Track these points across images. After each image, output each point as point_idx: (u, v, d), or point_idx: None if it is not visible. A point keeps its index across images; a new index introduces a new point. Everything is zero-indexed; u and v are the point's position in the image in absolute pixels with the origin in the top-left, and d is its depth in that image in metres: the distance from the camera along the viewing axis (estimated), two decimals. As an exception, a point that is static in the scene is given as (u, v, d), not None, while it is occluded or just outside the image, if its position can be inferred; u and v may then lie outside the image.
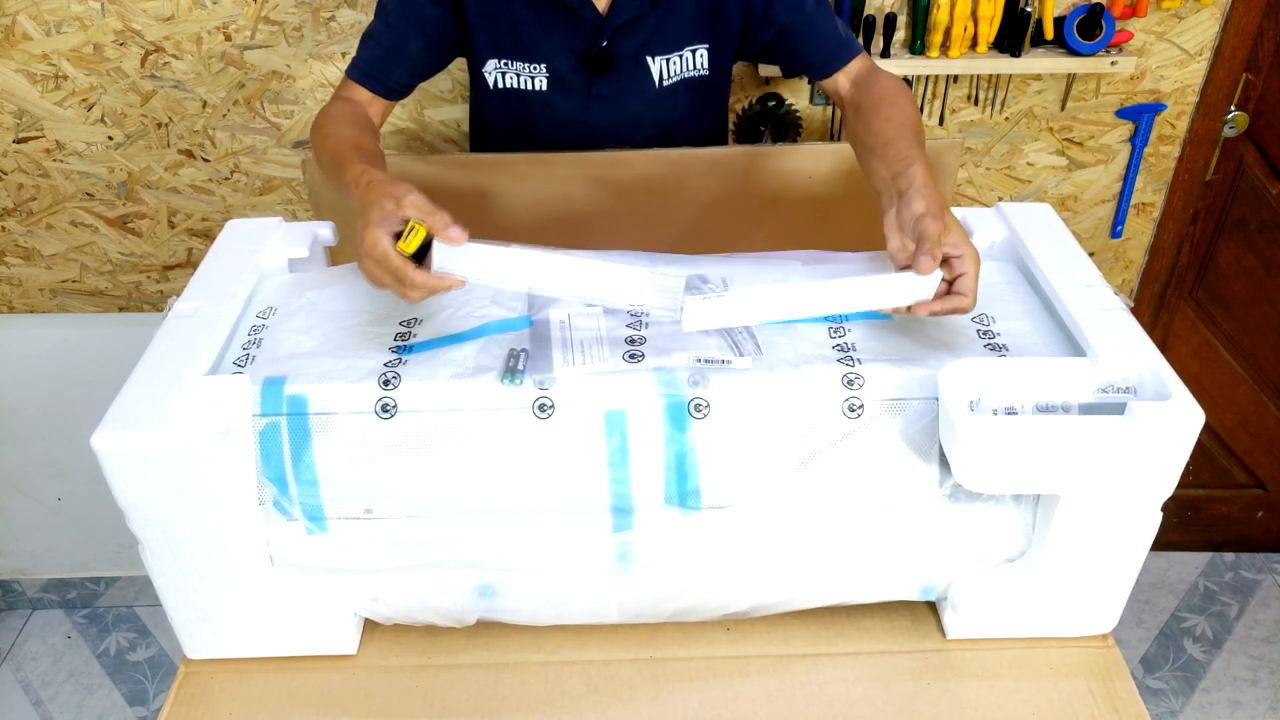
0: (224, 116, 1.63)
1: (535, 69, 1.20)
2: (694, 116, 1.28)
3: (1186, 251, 1.87)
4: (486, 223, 1.23)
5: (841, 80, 1.18)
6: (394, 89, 1.19)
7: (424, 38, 1.17)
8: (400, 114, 1.64)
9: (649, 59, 1.20)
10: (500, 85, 1.22)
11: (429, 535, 0.83)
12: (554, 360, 0.81)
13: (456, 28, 1.19)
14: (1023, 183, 1.74)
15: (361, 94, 1.17)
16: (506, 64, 1.20)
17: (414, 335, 0.85)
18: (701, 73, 1.23)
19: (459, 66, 1.58)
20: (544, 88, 1.21)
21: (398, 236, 0.81)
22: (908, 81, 1.60)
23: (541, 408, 0.79)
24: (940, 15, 1.50)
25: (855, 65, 1.18)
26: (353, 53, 1.22)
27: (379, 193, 0.84)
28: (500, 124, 1.28)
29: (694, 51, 1.21)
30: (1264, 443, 2.13)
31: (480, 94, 1.26)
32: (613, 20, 1.16)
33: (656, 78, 1.21)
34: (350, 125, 1.07)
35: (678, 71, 1.22)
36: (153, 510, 0.79)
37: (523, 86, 1.21)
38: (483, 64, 1.21)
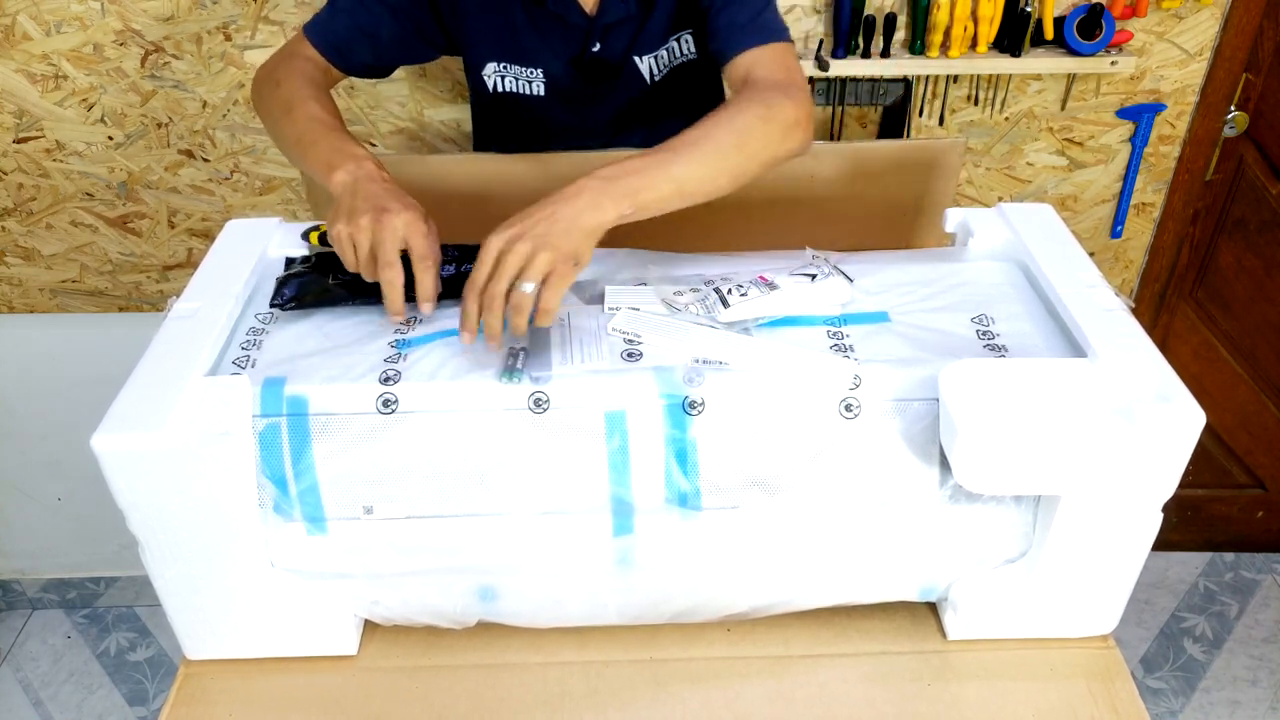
0: (224, 116, 1.63)
1: (533, 74, 1.19)
2: (688, 99, 1.27)
3: (1186, 251, 1.87)
4: (487, 223, 1.23)
5: (735, 70, 1.05)
6: (355, 68, 1.16)
7: (399, 28, 1.15)
8: (400, 114, 1.64)
9: (636, 59, 1.19)
10: (500, 89, 1.21)
11: (429, 538, 0.83)
12: (552, 359, 0.81)
13: (439, 29, 1.17)
14: (1023, 183, 1.74)
15: (319, 60, 1.12)
16: (505, 67, 1.20)
17: (412, 331, 0.85)
18: (689, 57, 1.22)
19: (459, 66, 1.59)
20: (541, 92, 1.20)
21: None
22: (907, 81, 1.60)
23: (537, 402, 0.78)
24: (940, 15, 1.50)
25: (754, 55, 1.04)
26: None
27: (406, 203, 0.89)
28: (501, 127, 1.28)
29: (679, 39, 1.20)
30: (1264, 443, 2.13)
31: (480, 97, 1.25)
32: (600, 21, 1.16)
33: (647, 75, 1.21)
34: (319, 95, 1.05)
35: (666, 63, 1.21)
36: (152, 511, 0.79)
37: (521, 91, 1.21)
38: (482, 67, 1.20)
